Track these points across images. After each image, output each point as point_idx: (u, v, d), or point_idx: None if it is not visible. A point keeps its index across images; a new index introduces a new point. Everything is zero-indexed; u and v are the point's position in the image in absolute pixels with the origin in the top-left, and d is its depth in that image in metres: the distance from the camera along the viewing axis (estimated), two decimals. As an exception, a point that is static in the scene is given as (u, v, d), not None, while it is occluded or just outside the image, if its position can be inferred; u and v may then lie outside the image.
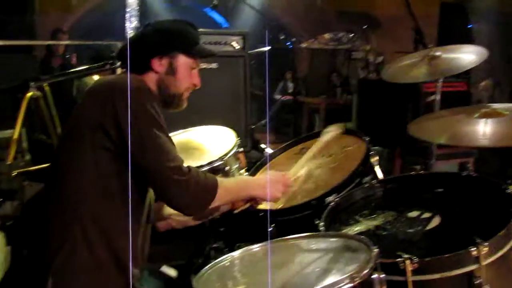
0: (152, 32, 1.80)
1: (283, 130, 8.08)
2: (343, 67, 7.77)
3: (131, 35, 1.92)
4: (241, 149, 2.41)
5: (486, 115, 1.93)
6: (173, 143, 1.68)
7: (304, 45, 6.09)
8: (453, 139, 1.95)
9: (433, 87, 3.65)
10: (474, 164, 5.53)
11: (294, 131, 7.52)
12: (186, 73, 1.81)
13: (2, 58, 3.96)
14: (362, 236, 1.53)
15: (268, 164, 2.69)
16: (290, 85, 8.29)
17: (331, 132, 2.38)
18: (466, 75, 5.75)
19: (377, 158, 2.35)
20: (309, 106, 7.89)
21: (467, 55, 2.37)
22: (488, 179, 1.92)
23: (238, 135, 2.48)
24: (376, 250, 1.38)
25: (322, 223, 1.82)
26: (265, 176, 1.97)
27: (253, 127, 3.69)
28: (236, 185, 1.86)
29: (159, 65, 1.76)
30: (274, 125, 8.07)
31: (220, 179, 1.73)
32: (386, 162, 4.00)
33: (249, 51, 3.50)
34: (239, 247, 1.75)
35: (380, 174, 2.33)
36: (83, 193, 1.59)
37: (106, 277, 1.59)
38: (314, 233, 1.69)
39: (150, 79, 1.76)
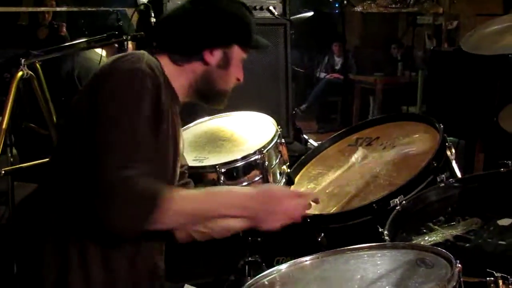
0: (206, 15, 1.82)
1: (329, 117, 8.07)
2: (406, 36, 7.68)
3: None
4: (283, 140, 2.43)
5: None
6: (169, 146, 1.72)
7: (358, 8, 6.01)
8: None
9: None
10: None
11: (342, 117, 7.51)
12: (238, 67, 1.87)
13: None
14: (440, 248, 1.52)
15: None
16: (338, 60, 8.25)
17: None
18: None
19: (454, 151, 2.34)
20: (361, 86, 7.85)
21: None
22: None
23: (278, 123, 2.49)
24: (459, 266, 1.37)
25: (386, 232, 1.82)
26: (259, 188, 1.82)
27: (293, 112, 3.69)
28: (203, 197, 1.69)
29: (212, 56, 1.81)
30: (317, 110, 8.06)
31: (179, 197, 1.60)
32: (464, 156, 3.96)
33: (291, 18, 3.49)
34: (278, 262, 1.76)
35: (458, 172, 2.33)
36: (83, 201, 1.58)
37: None
38: (378, 243, 1.69)
39: (194, 69, 1.81)
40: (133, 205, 1.49)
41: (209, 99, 1.87)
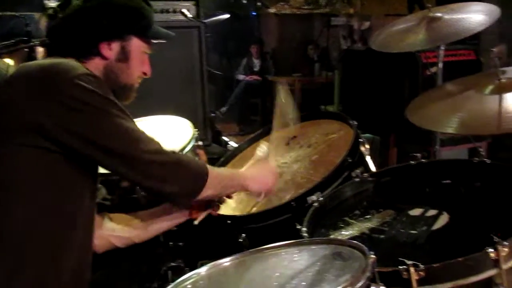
0: (99, 8, 1.78)
1: (250, 119, 8.11)
2: (321, 37, 7.84)
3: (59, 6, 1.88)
4: (201, 143, 2.42)
5: (501, 89, 1.99)
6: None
7: (272, 10, 6.08)
8: (465, 127, 2.00)
9: (434, 57, 3.75)
10: (488, 150, 5.69)
11: (262, 118, 7.55)
12: (139, 59, 1.85)
13: None
14: (355, 241, 1.56)
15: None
16: (256, 62, 8.31)
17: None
18: (475, 41, 5.88)
19: (367, 146, 2.41)
20: (280, 87, 7.93)
21: (475, 15, 2.42)
22: (505, 166, 1.98)
23: (196, 125, 2.48)
24: (372, 257, 1.41)
25: (304, 228, 1.85)
26: (256, 167, 2.12)
27: (212, 115, 3.70)
28: (228, 173, 2.05)
29: (109, 49, 1.78)
30: (238, 112, 8.08)
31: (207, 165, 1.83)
32: (379, 152, 4.08)
33: (205, 20, 3.49)
34: (202, 265, 1.77)
35: (372, 166, 2.40)
36: (22, 203, 1.59)
37: None
38: (296, 240, 1.71)
39: (95, 66, 1.77)
40: (192, 173, 1.74)
41: (116, 95, 1.79)
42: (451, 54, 3.91)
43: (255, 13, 6.99)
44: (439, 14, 2.45)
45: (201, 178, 1.75)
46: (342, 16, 7.08)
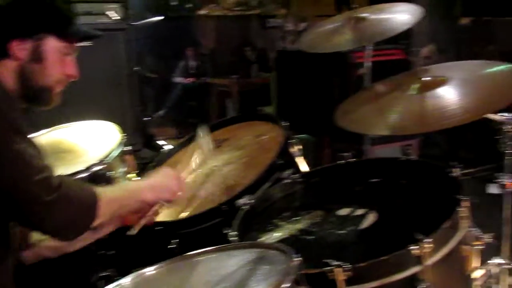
0: (9, 3, 1.66)
1: (188, 121, 8.04)
2: (258, 39, 7.84)
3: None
4: (129, 148, 2.37)
5: (426, 87, 2.02)
6: (37, 148, 1.62)
7: (202, 12, 6.02)
8: (392, 128, 2.01)
9: (363, 57, 3.81)
10: (419, 148, 5.83)
11: (200, 121, 7.49)
12: (57, 60, 1.72)
13: None
14: (279, 244, 1.55)
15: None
16: (193, 64, 8.24)
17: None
18: (405, 41, 6.01)
19: (299, 147, 2.41)
20: (218, 89, 7.90)
21: (400, 15, 2.47)
22: (431, 164, 2.02)
23: (124, 130, 2.43)
24: (297, 259, 1.41)
25: (233, 232, 1.83)
26: (155, 174, 1.99)
27: (147, 119, 3.64)
28: (122, 192, 1.85)
29: (20, 49, 1.66)
30: (175, 115, 8.00)
31: (101, 189, 1.70)
32: (314, 153, 4.11)
33: (133, 23, 3.43)
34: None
35: (305, 167, 2.40)
36: None
37: None
38: (222, 245, 1.69)
39: (7, 68, 1.66)
40: (79, 209, 1.61)
41: (31, 99, 1.72)
42: (380, 54, 3.98)
43: (186, 15, 6.95)
44: (364, 15, 2.48)
45: (90, 209, 1.63)
46: (279, 17, 7.10)
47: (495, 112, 2.27)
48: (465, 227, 1.71)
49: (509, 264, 2.43)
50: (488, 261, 2.51)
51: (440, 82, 1.99)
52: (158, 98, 7.80)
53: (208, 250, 1.66)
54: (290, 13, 6.19)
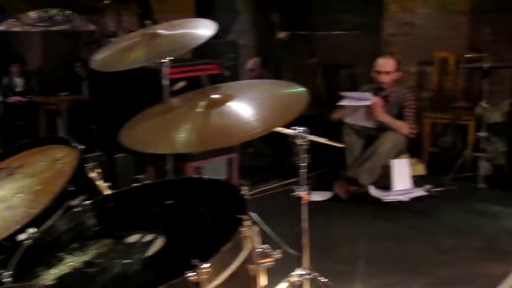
0: None
1: (15, 142, 7.56)
2: (90, 54, 7.59)
3: None
4: None
5: (213, 104, 1.99)
6: None
7: (1, 27, 5.65)
8: (180, 145, 1.95)
9: (179, 72, 3.77)
10: (249, 159, 5.91)
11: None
12: None
13: None
14: (39, 284, 1.43)
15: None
16: (19, 82, 7.78)
17: None
18: (233, 55, 6.09)
19: (99, 170, 2.29)
20: (46, 107, 7.53)
21: (196, 31, 2.44)
22: (221, 182, 1.98)
23: None
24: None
25: (8, 272, 1.67)
26: None
27: None
28: None
29: None
30: (1, 136, 7.50)
31: None
32: (137, 172, 3.98)
33: None
34: None
35: (107, 191, 2.28)
36: None
37: None
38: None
39: None
40: None
41: None
42: (196, 69, 3.97)
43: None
44: (160, 31, 2.42)
45: None
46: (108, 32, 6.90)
47: (288, 126, 2.32)
48: (249, 247, 1.68)
49: (310, 274, 2.50)
50: (291, 273, 2.57)
51: (227, 99, 1.97)
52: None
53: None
54: (101, 28, 6.02)
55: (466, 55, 6.11)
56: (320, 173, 5.62)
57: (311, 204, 4.78)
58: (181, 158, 3.77)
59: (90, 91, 4.47)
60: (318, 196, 5.05)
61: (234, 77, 5.39)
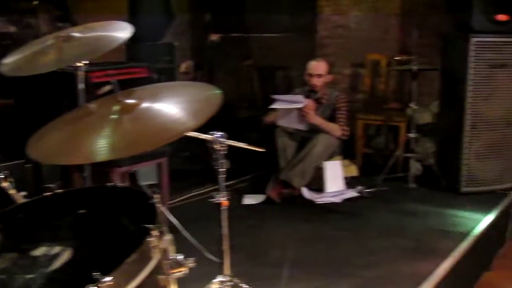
0: None
1: None
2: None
3: None
4: None
5: (126, 110, 1.94)
6: None
7: None
8: (92, 153, 1.88)
9: (105, 76, 3.68)
10: (185, 162, 5.83)
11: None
12: None
13: None
14: None
15: None
16: None
17: None
18: (168, 57, 6.00)
19: (11, 180, 2.21)
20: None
21: (111, 33, 2.38)
22: (134, 190, 1.93)
23: None
24: None
25: None
26: None
27: None
28: None
29: None
30: None
31: None
32: (63, 179, 3.87)
33: None
34: None
35: (21, 201, 2.19)
36: None
37: None
38: None
39: None
40: None
41: None
42: (122, 72, 3.89)
43: None
44: (74, 34, 2.34)
45: None
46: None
47: (207, 132, 2.28)
48: (158, 257, 1.63)
49: (231, 281, 2.46)
50: (213, 280, 2.53)
51: (139, 103, 1.92)
52: None
53: None
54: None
55: (396, 58, 6.24)
56: (253, 177, 5.62)
57: (244, 207, 4.83)
58: (108, 164, 3.67)
59: (13, 96, 4.30)
60: (251, 200, 5.03)
61: (170, 80, 5.31)
